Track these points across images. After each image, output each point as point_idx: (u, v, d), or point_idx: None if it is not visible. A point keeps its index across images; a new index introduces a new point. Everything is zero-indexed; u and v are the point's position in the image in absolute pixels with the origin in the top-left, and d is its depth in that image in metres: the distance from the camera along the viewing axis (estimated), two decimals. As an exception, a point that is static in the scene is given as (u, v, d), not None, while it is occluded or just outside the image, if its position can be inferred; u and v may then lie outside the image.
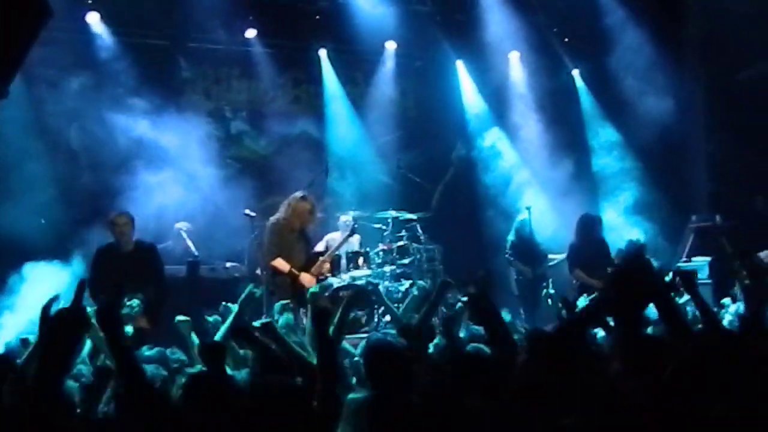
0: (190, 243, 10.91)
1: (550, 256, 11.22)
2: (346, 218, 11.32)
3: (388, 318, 8.73)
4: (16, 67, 7.00)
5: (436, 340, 5.56)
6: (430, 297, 5.74)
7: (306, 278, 8.96)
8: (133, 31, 11.58)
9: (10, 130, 10.33)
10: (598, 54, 13.00)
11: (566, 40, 13.45)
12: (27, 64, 7.57)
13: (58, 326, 3.27)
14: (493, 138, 13.32)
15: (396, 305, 9.55)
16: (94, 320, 3.73)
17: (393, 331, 6.18)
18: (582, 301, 7.27)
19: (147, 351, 5.51)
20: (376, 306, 10.18)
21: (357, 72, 13.50)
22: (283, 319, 5.84)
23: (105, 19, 11.38)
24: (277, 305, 6.64)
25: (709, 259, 10.75)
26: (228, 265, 11.03)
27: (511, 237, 11.23)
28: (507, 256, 11.28)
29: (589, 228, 10.36)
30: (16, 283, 8.34)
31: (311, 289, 6.78)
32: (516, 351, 4.26)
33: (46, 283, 7.97)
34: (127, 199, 10.48)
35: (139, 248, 8.57)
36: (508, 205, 12.33)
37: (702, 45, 12.80)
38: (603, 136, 13.30)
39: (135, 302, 6.53)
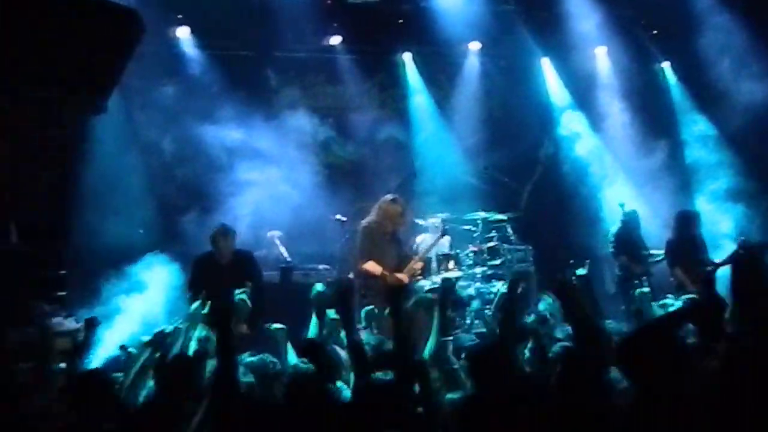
0: (282, 249, 11.08)
1: (652, 251, 10.82)
2: (434, 220, 11.32)
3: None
4: (113, 83, 7.27)
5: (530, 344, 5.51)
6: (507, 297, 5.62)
7: (398, 278, 8.97)
8: (221, 43, 11.87)
9: (109, 144, 10.69)
10: (687, 44, 12.65)
11: (654, 32, 13.15)
12: (122, 79, 7.88)
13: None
14: (580, 133, 13.13)
15: (487, 307, 9.55)
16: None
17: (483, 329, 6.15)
18: (670, 301, 7.10)
19: (248, 357, 5.57)
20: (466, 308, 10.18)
21: (441, 74, 13.48)
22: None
23: (194, 32, 11.70)
24: (364, 311, 6.68)
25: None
26: (320, 268, 11.15)
27: (615, 230, 10.75)
28: (612, 250, 10.78)
29: (687, 224, 10.09)
30: (116, 293, 8.62)
31: (316, 287, 6.54)
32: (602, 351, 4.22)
33: (148, 292, 8.25)
34: (219, 208, 10.74)
35: (237, 257, 8.71)
36: (598, 202, 12.10)
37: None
38: (695, 127, 12.96)
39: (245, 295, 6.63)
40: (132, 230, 10.39)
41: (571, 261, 5.68)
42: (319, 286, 6.52)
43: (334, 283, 5.15)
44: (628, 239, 10.54)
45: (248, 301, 6.69)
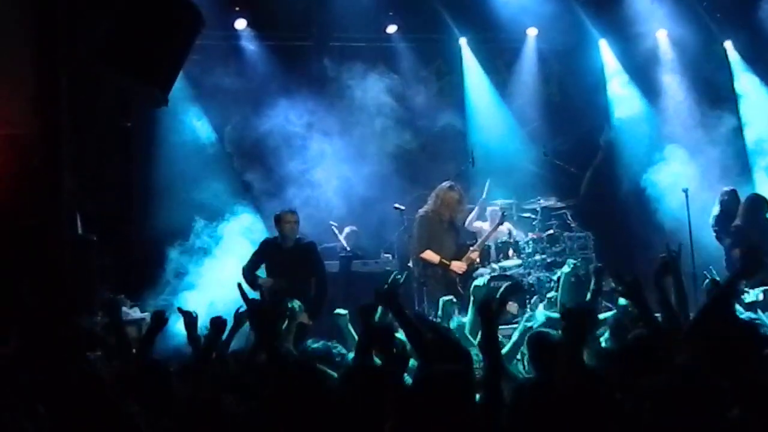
0: (342, 238, 11.16)
1: None
2: (493, 208, 11.27)
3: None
4: (175, 76, 7.37)
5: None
6: (589, 284, 5.60)
7: (456, 265, 8.97)
8: (278, 34, 11.95)
9: (171, 135, 10.89)
10: (750, 21, 12.36)
11: (717, 15, 12.85)
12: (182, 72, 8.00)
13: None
14: (639, 116, 12.93)
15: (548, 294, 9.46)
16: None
17: (555, 314, 6.09)
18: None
19: (313, 344, 5.65)
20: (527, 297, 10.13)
21: (498, 60, 13.37)
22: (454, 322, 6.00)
23: (252, 24, 11.81)
24: (443, 300, 6.70)
25: None
26: (380, 258, 11.20)
27: (715, 212, 10.45)
28: (715, 231, 10.45)
29: (757, 209, 9.84)
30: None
31: (475, 283, 6.81)
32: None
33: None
34: (278, 199, 10.85)
35: (299, 245, 8.80)
36: (659, 186, 11.86)
37: None
38: (761, 108, 12.63)
39: (296, 304, 6.72)
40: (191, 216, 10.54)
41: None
42: (479, 281, 6.94)
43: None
44: (728, 220, 10.19)
45: (299, 309, 6.78)
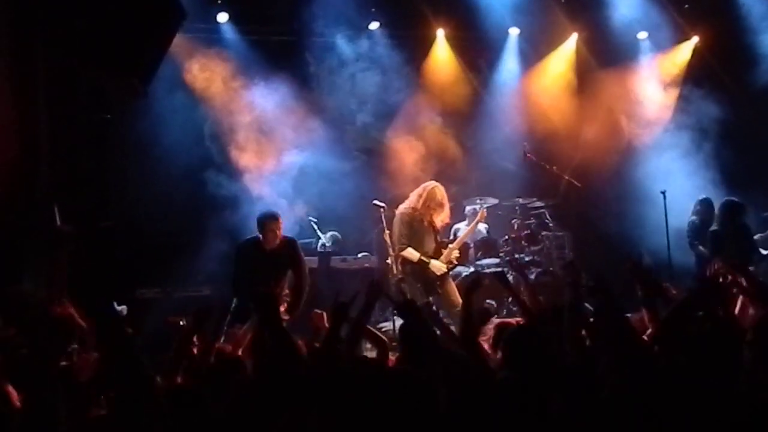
0: (321, 234, 11.14)
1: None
2: (472, 207, 11.30)
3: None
4: (155, 68, 7.31)
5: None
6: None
7: (436, 266, 8.96)
8: (260, 28, 11.88)
9: (157, 128, 10.81)
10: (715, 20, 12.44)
11: (685, 6, 12.85)
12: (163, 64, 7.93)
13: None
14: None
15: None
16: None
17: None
18: None
19: None
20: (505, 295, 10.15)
21: (480, 59, 13.39)
22: None
23: (233, 18, 11.75)
24: None
25: None
26: (359, 255, 11.19)
27: (693, 218, 10.48)
28: (689, 239, 10.47)
29: (734, 214, 9.90)
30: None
31: None
32: None
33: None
34: (258, 194, 10.82)
35: (280, 243, 8.67)
36: (643, 189, 11.91)
37: None
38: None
39: None
40: (169, 217, 10.49)
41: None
42: None
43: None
44: (704, 228, 10.22)
45: None
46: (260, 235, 8.43)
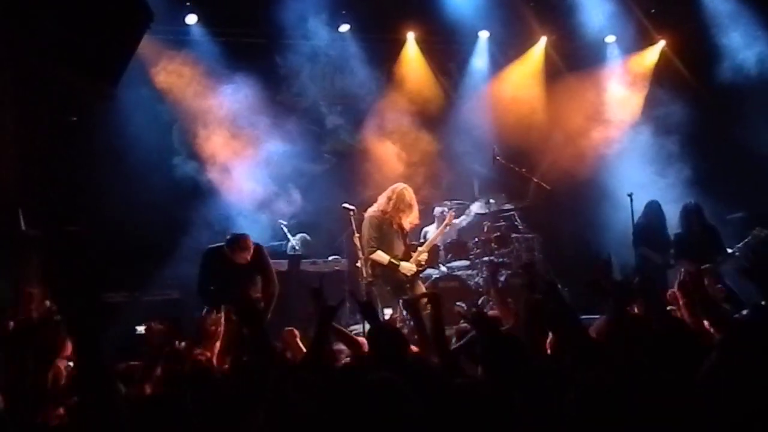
0: (291, 237, 11.12)
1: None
2: (442, 209, 11.32)
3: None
4: (123, 70, 7.29)
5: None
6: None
7: (406, 267, 8.97)
8: (230, 30, 11.82)
9: (128, 130, 10.73)
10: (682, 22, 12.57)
11: (653, 11, 12.94)
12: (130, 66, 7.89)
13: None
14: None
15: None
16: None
17: None
18: None
19: None
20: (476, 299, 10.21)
21: (450, 62, 13.44)
22: None
23: (203, 19, 11.69)
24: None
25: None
26: (329, 258, 11.18)
27: (640, 220, 10.49)
28: (633, 240, 10.53)
29: (695, 215, 10.03)
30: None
31: None
32: None
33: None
34: (227, 196, 10.78)
35: None
36: (611, 192, 11.99)
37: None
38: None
39: None
40: (138, 221, 10.41)
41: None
42: None
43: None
44: (650, 230, 10.37)
45: None
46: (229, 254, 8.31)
